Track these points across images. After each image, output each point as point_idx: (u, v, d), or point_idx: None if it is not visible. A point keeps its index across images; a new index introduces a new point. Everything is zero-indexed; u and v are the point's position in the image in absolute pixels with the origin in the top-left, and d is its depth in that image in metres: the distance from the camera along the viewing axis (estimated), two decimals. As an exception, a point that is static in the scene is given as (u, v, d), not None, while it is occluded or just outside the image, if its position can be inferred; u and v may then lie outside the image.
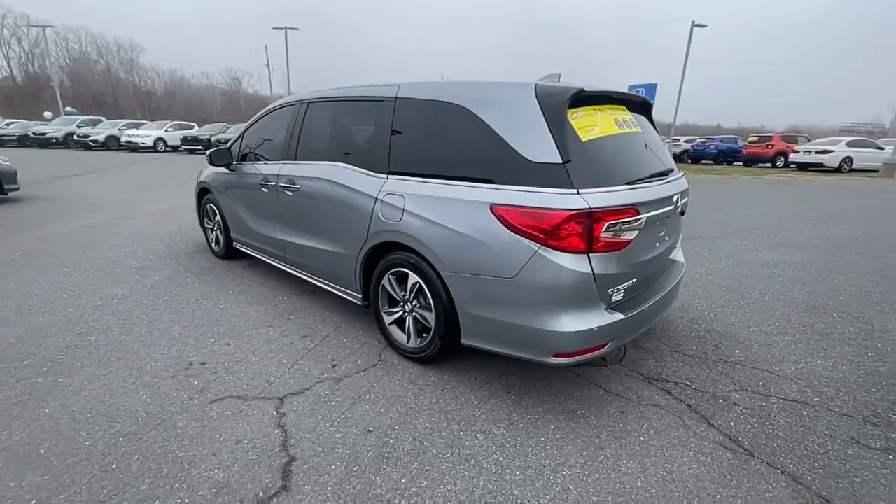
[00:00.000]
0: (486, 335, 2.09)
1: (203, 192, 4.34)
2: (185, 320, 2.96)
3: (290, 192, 3.04)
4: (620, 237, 1.89)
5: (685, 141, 24.95)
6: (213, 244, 4.38)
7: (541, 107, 1.91)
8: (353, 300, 2.82)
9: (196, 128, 23.82)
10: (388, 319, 2.59)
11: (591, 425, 2.01)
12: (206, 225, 4.46)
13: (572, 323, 1.86)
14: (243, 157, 3.74)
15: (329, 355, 2.56)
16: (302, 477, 1.67)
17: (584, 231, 1.78)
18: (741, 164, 21.76)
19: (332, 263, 2.83)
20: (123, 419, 1.97)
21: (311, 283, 3.19)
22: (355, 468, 1.72)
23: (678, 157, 22.70)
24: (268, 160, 3.38)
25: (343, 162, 2.70)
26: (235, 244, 4.04)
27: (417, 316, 2.41)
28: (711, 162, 22.99)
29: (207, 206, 4.30)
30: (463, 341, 2.19)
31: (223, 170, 3.86)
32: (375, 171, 2.48)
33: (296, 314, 3.10)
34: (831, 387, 2.33)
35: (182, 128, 23.12)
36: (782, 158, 19.62)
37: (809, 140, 19.96)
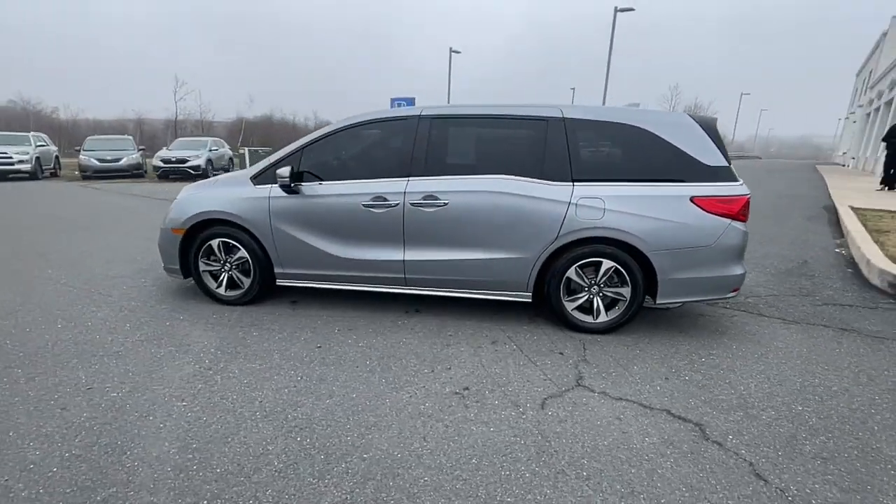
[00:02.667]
0: (683, 291, 2.91)
1: (202, 227, 3.38)
2: (356, 369, 2.58)
3: (429, 209, 3.00)
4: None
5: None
6: (223, 290, 3.46)
7: (703, 129, 2.85)
8: (519, 300, 3.10)
9: None
10: (570, 306, 3.04)
11: (738, 334, 3.10)
12: (203, 268, 3.45)
13: (740, 267, 2.91)
14: (299, 177, 3.23)
15: (542, 349, 2.84)
16: (698, 413, 2.15)
17: (746, 208, 2.84)
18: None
19: (498, 270, 3.02)
20: (511, 447, 1.92)
21: (422, 300, 3.19)
22: (697, 402, 2.31)
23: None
24: (371, 178, 3.12)
25: (507, 174, 2.95)
26: (282, 280, 3.39)
27: (609, 294, 2.99)
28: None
29: (213, 242, 3.38)
30: (658, 302, 2.94)
31: (271, 193, 3.21)
32: (557, 181, 2.90)
33: (452, 330, 3.08)
34: (770, 286, 4.14)
35: None
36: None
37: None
